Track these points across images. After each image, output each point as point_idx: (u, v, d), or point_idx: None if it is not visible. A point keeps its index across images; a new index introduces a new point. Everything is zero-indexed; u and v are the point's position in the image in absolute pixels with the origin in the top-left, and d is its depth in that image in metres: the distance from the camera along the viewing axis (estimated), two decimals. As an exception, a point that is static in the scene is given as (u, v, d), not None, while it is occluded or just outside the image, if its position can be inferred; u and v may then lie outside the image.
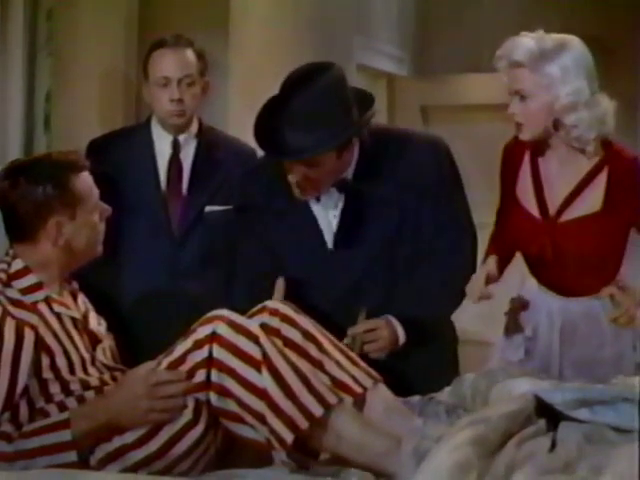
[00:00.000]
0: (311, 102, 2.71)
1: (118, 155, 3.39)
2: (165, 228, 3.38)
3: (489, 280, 3.22)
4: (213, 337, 2.34)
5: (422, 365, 2.91)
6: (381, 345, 2.83)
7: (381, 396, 2.56)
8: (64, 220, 2.53)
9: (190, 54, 3.36)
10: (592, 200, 3.02)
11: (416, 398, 2.67)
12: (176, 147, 3.41)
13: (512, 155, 3.13)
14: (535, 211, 3.07)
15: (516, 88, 2.97)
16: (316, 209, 2.92)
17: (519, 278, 3.29)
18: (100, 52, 4.21)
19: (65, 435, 2.33)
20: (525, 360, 3.14)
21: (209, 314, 2.41)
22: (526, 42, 2.94)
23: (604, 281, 3.03)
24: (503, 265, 3.27)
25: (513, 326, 3.23)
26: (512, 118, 3.00)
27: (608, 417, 2.17)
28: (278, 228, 2.96)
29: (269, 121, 2.77)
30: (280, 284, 2.88)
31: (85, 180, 2.58)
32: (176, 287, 3.35)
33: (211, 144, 3.43)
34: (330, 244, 2.93)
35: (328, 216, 2.92)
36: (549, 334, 3.15)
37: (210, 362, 2.33)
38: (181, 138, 3.41)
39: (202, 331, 2.36)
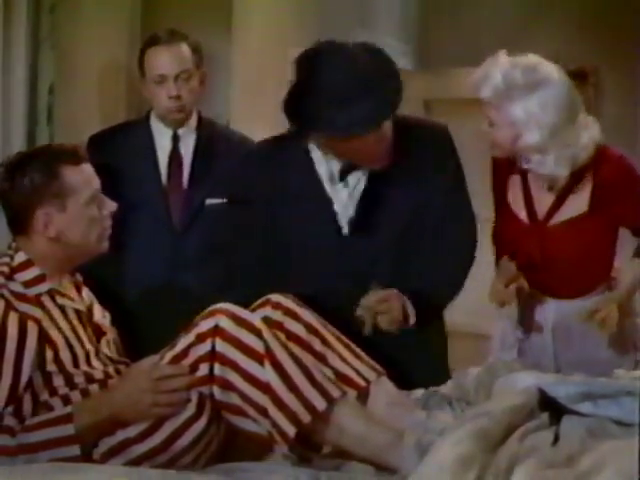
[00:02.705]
0: (355, 74, 2.61)
1: (118, 149, 3.39)
2: (166, 222, 3.38)
3: (511, 281, 3.16)
4: (216, 330, 2.34)
5: (424, 359, 2.91)
6: (394, 316, 2.73)
7: (384, 389, 2.56)
8: (52, 211, 2.49)
9: (185, 48, 3.35)
10: (579, 202, 3.02)
11: (419, 391, 2.67)
12: (176, 141, 3.41)
13: (501, 163, 3.12)
14: (524, 216, 3.08)
15: (486, 114, 2.97)
16: (332, 192, 2.85)
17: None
18: (103, 45, 4.21)
19: (68, 429, 2.32)
20: (518, 361, 3.13)
21: (211, 307, 2.40)
22: (494, 77, 2.90)
23: (595, 282, 3.04)
24: None
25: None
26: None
27: (611, 411, 2.17)
28: (285, 214, 2.87)
29: (305, 101, 2.65)
30: None
31: (79, 171, 2.53)
32: (178, 280, 3.35)
33: (211, 137, 3.43)
34: (346, 230, 2.85)
35: (345, 199, 2.85)
36: (542, 334, 3.15)
37: (213, 356, 2.33)
38: (181, 132, 3.41)
39: (205, 324, 2.36)
